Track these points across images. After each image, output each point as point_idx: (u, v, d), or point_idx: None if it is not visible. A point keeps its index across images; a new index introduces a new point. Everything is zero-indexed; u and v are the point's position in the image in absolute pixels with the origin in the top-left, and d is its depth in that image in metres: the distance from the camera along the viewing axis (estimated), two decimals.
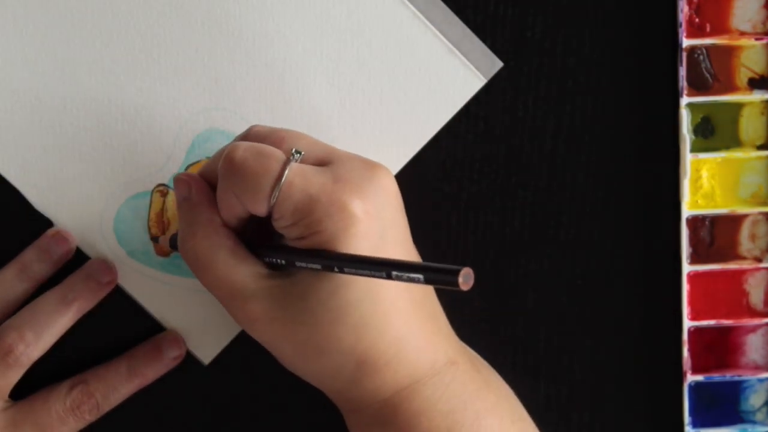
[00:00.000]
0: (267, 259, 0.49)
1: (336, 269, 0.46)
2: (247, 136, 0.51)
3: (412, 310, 0.49)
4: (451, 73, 0.56)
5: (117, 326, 0.56)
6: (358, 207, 0.47)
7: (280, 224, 0.48)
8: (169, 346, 0.55)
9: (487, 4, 0.56)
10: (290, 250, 0.48)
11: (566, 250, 0.57)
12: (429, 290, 0.51)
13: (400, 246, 0.49)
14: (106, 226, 0.55)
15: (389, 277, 0.44)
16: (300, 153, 0.48)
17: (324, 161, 0.49)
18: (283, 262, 0.48)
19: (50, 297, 0.54)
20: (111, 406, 0.54)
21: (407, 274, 0.43)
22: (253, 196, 0.47)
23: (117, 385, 0.54)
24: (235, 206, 0.48)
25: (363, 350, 0.48)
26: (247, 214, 0.49)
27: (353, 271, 0.45)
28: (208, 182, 0.51)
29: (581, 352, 0.57)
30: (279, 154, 0.47)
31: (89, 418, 0.54)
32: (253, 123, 0.54)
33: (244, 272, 0.49)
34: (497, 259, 0.57)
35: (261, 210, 0.47)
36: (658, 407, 0.58)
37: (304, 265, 0.47)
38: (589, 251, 0.57)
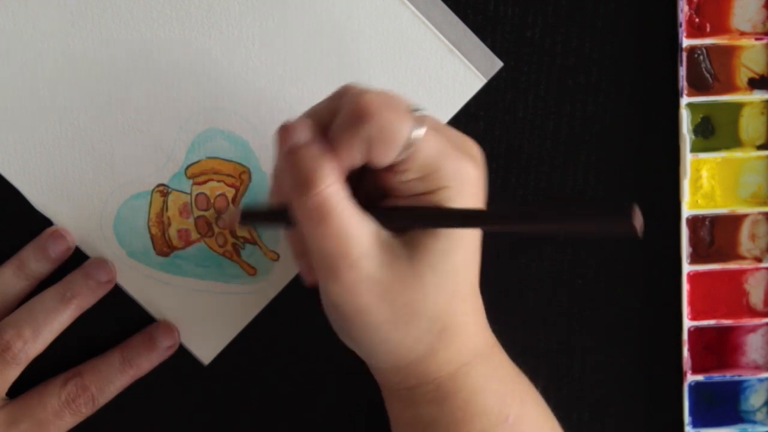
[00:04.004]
0: (386, 220, 0.47)
1: (485, 225, 0.46)
2: (337, 96, 0.48)
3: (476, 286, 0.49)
4: (451, 73, 0.56)
5: (116, 325, 0.56)
6: (476, 169, 0.47)
7: (406, 176, 0.47)
8: (163, 336, 0.55)
9: (487, 4, 0.56)
10: (423, 211, 0.47)
11: (566, 250, 0.57)
12: None
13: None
14: (106, 226, 0.55)
15: (561, 225, 0.43)
16: (418, 109, 0.46)
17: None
18: (393, 222, 0.47)
19: (49, 295, 0.54)
20: (107, 399, 0.54)
21: (573, 222, 0.41)
22: (388, 145, 0.45)
23: (112, 377, 0.54)
24: (356, 156, 0.46)
25: (448, 317, 0.48)
26: (360, 165, 0.47)
27: (507, 226, 0.46)
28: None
29: (581, 352, 0.57)
30: (407, 106, 0.46)
31: (85, 411, 0.54)
32: (254, 123, 0.54)
33: (363, 229, 0.46)
34: (497, 259, 0.57)
35: (388, 158, 0.46)
36: (658, 407, 0.58)
37: (412, 223, 0.47)
38: (589, 251, 0.57)
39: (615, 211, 0.39)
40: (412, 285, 0.47)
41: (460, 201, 0.47)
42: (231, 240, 0.56)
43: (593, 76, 0.56)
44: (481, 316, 0.50)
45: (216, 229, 0.56)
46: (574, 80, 0.56)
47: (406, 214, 0.47)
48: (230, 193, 0.56)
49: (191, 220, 0.55)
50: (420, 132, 0.45)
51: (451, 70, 0.55)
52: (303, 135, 0.46)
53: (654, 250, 0.57)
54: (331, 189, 0.46)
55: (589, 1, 0.56)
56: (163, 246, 0.56)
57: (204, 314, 0.56)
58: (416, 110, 0.46)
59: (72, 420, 0.54)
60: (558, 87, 0.56)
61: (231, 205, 0.55)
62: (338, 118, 0.46)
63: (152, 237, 0.55)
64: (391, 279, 0.47)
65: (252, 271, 0.56)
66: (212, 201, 0.56)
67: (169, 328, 0.55)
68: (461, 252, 0.47)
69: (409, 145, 0.45)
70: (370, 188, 0.48)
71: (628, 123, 0.57)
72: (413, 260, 0.47)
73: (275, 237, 0.56)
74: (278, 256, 0.56)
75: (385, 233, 0.47)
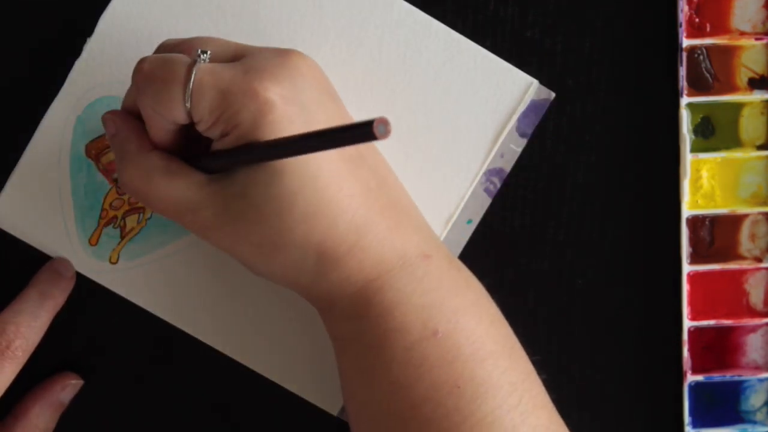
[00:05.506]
0: (200, 167, 0.49)
1: (246, 159, 0.46)
2: (157, 50, 0.50)
3: (366, 198, 0.48)
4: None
5: (118, 326, 0.56)
6: (272, 92, 0.46)
7: (202, 128, 0.47)
8: (64, 268, 0.55)
9: (487, 4, 0.56)
10: (214, 153, 0.48)
11: (566, 250, 0.57)
12: (389, 179, 0.50)
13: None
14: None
15: (299, 152, 0.43)
16: (206, 52, 0.47)
17: (236, 58, 0.48)
18: (213, 166, 0.48)
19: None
20: (38, 338, 0.53)
21: (318, 142, 0.42)
22: (168, 104, 0.47)
23: (35, 313, 0.54)
24: (158, 119, 0.48)
25: (319, 240, 0.47)
26: (175, 125, 0.48)
27: (255, 157, 0.45)
28: (135, 112, 0.50)
29: (581, 352, 0.57)
30: (184, 58, 0.47)
31: (21, 354, 0.53)
32: None
33: (182, 186, 0.48)
34: (497, 259, 0.57)
35: (180, 117, 0.47)
36: (658, 407, 0.58)
37: (226, 164, 0.47)
38: (589, 251, 0.57)
39: (363, 124, 0.39)
40: (256, 219, 0.47)
41: (260, 132, 0.46)
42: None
43: (593, 76, 0.56)
44: (387, 228, 0.48)
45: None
46: (574, 80, 0.56)
47: (213, 158, 0.48)
48: None
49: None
50: (191, 82, 0.46)
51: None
52: (112, 128, 0.50)
53: (654, 250, 0.57)
54: (140, 166, 0.49)
55: (589, 1, 0.56)
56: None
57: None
58: (200, 56, 0.47)
59: (11, 368, 0.52)
60: (558, 87, 0.56)
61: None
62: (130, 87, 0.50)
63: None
64: (234, 219, 0.47)
65: None
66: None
67: (65, 260, 0.55)
68: (289, 176, 0.46)
69: (190, 96, 0.46)
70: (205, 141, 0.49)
71: (628, 123, 0.57)
72: (246, 196, 0.47)
73: None
74: None
75: (213, 179, 0.48)
